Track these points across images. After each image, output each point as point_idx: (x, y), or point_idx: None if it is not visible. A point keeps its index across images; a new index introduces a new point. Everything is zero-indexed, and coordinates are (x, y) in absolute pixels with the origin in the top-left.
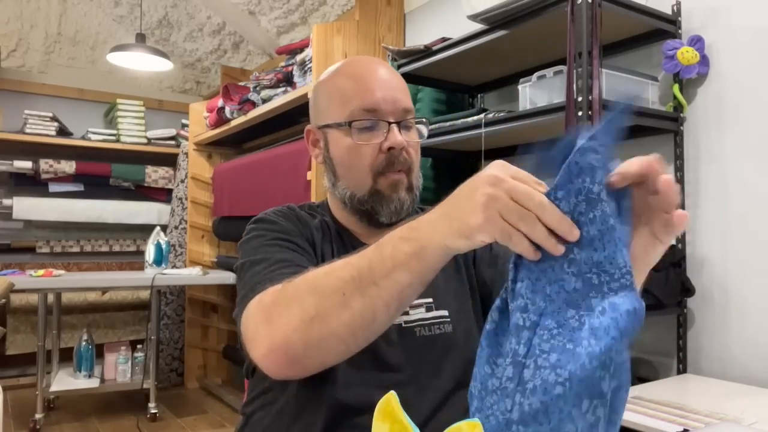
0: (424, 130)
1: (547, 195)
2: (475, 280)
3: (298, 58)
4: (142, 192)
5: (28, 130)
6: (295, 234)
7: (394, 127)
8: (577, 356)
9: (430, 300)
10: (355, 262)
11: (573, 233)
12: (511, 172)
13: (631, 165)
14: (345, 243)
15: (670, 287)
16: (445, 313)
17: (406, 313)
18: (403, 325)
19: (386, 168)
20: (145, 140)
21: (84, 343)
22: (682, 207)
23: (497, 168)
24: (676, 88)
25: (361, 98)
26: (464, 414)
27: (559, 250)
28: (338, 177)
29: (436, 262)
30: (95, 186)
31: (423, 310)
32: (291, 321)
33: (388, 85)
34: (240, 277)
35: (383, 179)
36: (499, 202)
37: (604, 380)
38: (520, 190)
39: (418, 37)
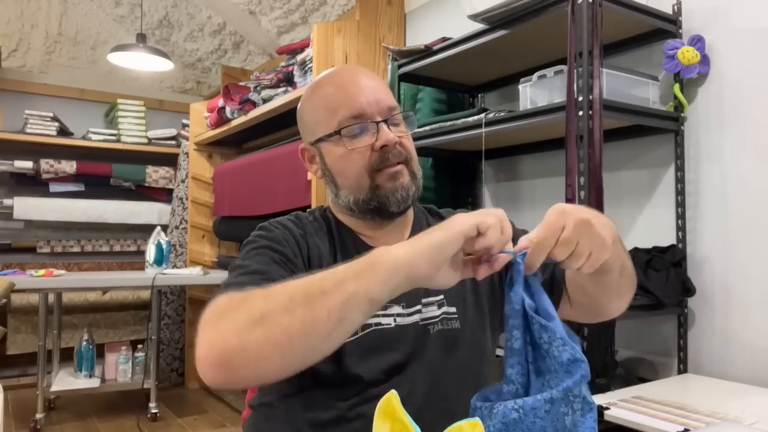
0: (412, 122)
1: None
2: (496, 289)
3: (299, 57)
4: (142, 192)
5: (28, 130)
6: (287, 245)
7: (383, 125)
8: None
9: (441, 297)
10: (314, 276)
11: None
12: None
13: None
14: (348, 247)
15: (671, 287)
16: (453, 309)
17: (419, 312)
18: (419, 322)
19: (381, 164)
20: (145, 140)
21: (84, 342)
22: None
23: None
24: (676, 87)
25: (346, 106)
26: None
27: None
28: (339, 186)
29: (389, 276)
30: (96, 186)
31: (435, 307)
32: (236, 323)
33: (369, 87)
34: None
35: (380, 175)
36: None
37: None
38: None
39: (418, 37)
